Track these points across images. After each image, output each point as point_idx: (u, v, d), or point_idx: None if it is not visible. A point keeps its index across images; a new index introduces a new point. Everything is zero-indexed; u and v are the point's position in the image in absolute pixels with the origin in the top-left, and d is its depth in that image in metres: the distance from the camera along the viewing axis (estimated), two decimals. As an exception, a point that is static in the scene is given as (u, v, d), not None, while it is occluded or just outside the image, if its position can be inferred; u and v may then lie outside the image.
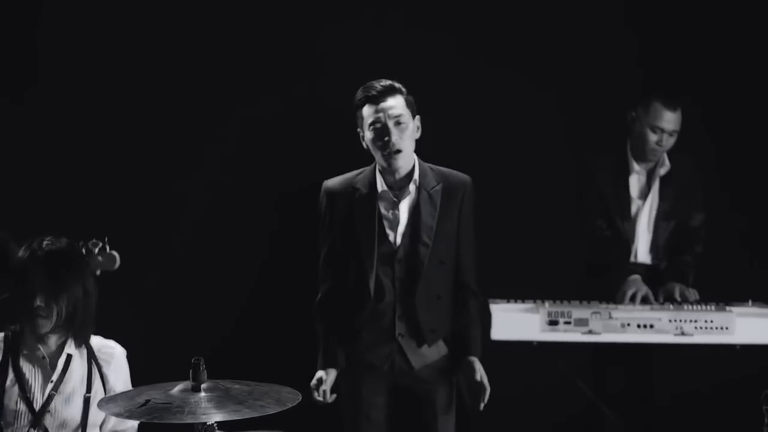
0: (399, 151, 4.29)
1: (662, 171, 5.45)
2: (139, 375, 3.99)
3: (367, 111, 4.31)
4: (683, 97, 5.39)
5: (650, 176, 5.47)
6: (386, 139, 4.27)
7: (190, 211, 5.87)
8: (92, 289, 3.93)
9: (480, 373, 4.29)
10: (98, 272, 4.25)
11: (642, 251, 5.51)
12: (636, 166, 5.46)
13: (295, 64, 5.86)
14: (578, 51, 5.87)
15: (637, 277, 5.33)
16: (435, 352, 4.44)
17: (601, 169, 5.46)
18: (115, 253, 4.28)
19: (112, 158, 5.78)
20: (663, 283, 5.40)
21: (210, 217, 5.89)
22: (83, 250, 4.24)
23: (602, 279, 5.41)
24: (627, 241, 5.48)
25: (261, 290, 5.91)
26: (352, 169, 4.47)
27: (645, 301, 5.28)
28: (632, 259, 5.51)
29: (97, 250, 4.28)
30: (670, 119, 5.32)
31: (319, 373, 4.37)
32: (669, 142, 5.37)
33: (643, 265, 5.51)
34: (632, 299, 5.25)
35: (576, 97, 5.82)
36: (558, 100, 5.83)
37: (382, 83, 4.33)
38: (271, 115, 5.86)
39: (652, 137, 5.34)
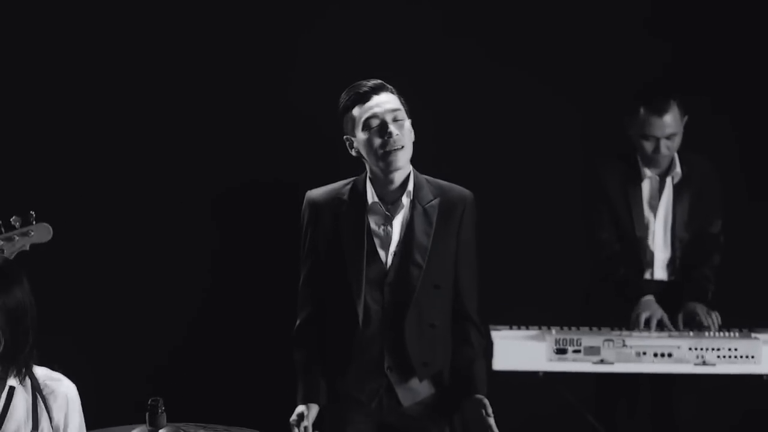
0: (402, 147, 4.04)
1: (674, 178, 5.28)
2: (88, 417, 3.66)
3: (358, 111, 4.06)
4: (682, 96, 5.24)
5: (662, 183, 5.29)
6: (386, 135, 4.02)
7: (148, 225, 5.74)
8: (31, 309, 3.53)
9: (491, 414, 3.98)
10: (28, 247, 4.11)
11: (658, 267, 5.32)
12: (648, 171, 5.28)
13: (273, 66, 5.79)
14: (589, 54, 5.80)
15: (650, 298, 5.16)
16: (426, 387, 4.15)
17: (610, 177, 5.29)
18: (46, 224, 4.15)
19: (62, 166, 5.69)
20: (682, 302, 5.19)
21: (172, 233, 5.75)
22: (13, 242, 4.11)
23: (613, 299, 5.25)
24: (639, 255, 5.29)
25: (229, 318, 5.74)
26: (339, 179, 4.20)
27: (660, 325, 5.09)
28: (647, 276, 5.32)
29: (18, 225, 4.14)
30: (659, 125, 5.16)
31: (300, 408, 4.06)
32: (670, 146, 5.20)
33: (660, 283, 5.32)
34: (647, 324, 5.07)
35: (587, 103, 5.74)
36: (568, 107, 5.74)
37: (370, 81, 4.10)
38: (246, 119, 5.78)
39: (647, 145, 5.20)
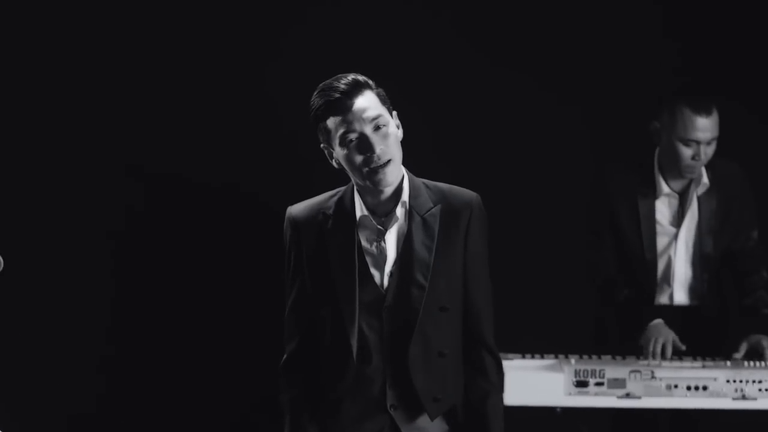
0: (388, 162, 3.72)
1: (700, 190, 5.03)
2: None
3: (333, 122, 3.73)
4: (718, 96, 5.07)
5: (684, 197, 5.05)
6: (369, 152, 3.70)
7: (120, 229, 5.68)
8: None
9: None
10: None
11: (679, 290, 5.13)
12: (665, 188, 5.05)
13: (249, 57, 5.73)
14: (600, 54, 5.75)
15: (659, 321, 4.93)
16: (438, 427, 3.86)
17: (619, 191, 5.08)
18: None
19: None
20: (742, 334, 4.98)
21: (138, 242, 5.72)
22: None
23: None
24: (647, 279, 5.09)
25: (201, 351, 5.63)
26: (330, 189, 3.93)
27: (675, 352, 4.90)
28: (664, 300, 5.13)
29: None
30: (704, 127, 4.91)
31: (288, 454, 3.87)
32: (708, 152, 4.95)
33: (679, 308, 5.15)
34: (663, 354, 4.85)
35: (601, 113, 5.68)
36: (583, 108, 5.69)
37: (343, 81, 3.73)
38: (218, 118, 5.73)
39: (686, 152, 4.93)
